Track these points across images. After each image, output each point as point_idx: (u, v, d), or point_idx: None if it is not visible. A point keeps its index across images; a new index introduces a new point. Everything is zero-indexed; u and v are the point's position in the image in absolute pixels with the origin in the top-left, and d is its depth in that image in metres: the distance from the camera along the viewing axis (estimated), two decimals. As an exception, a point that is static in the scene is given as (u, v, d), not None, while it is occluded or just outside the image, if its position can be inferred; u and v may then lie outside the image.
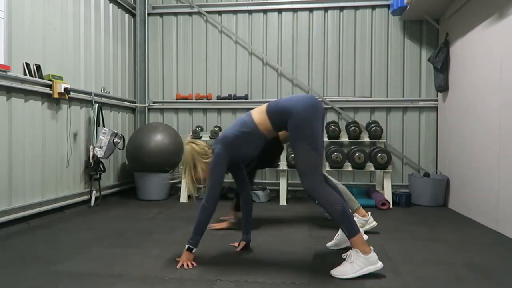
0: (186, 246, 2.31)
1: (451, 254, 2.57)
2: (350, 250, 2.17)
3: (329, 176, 3.44)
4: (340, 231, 2.66)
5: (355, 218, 2.79)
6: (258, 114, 2.32)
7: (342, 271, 2.12)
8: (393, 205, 4.31)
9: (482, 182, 3.51)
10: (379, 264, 2.12)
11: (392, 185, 4.46)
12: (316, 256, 2.51)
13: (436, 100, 4.90)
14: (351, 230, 2.14)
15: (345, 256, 2.18)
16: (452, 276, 2.16)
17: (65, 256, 2.47)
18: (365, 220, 3.05)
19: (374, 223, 3.08)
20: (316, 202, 4.37)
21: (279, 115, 2.25)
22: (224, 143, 2.32)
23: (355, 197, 4.38)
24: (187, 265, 2.27)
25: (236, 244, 2.68)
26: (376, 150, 4.40)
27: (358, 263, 2.10)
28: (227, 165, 2.35)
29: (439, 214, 3.93)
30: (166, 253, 2.55)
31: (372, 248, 2.15)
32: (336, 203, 2.14)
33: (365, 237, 2.77)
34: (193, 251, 2.31)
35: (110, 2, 4.82)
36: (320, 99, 5.08)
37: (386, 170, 4.37)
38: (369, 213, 3.12)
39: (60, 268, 2.25)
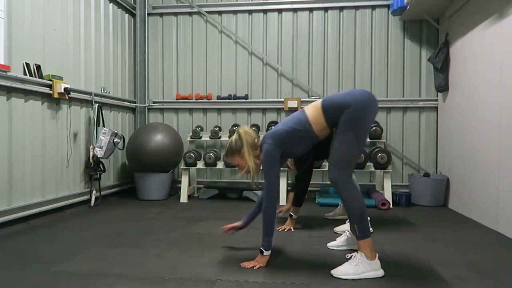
0: (260, 249, 2.30)
1: (451, 254, 2.57)
2: (355, 253, 2.17)
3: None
4: (345, 232, 2.66)
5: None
6: (312, 110, 2.23)
7: (344, 272, 2.12)
8: (393, 205, 4.31)
9: (482, 182, 3.51)
10: (381, 272, 2.13)
11: (392, 185, 4.46)
12: (316, 256, 2.51)
13: (436, 100, 4.90)
14: (363, 232, 2.14)
15: (348, 257, 2.19)
16: (452, 276, 2.16)
17: (65, 256, 2.47)
18: None
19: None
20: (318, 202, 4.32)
21: (337, 109, 2.16)
22: (276, 139, 2.24)
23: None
24: (253, 266, 2.27)
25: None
26: (376, 150, 4.39)
27: (360, 266, 2.11)
28: (280, 160, 2.28)
29: (439, 214, 3.93)
30: (166, 253, 2.55)
31: (377, 254, 2.16)
32: (358, 201, 2.14)
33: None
34: (265, 253, 2.29)
35: (110, 2, 4.82)
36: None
37: (386, 170, 4.37)
38: None
39: (60, 268, 2.25)
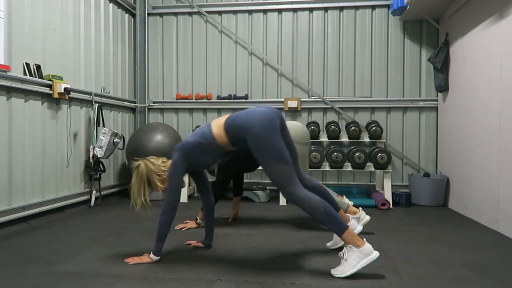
0: (151, 252, 2.39)
1: (451, 254, 2.57)
2: (344, 248, 2.16)
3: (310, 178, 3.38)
4: None
5: (351, 220, 2.76)
6: (217, 127, 2.37)
7: (341, 270, 2.12)
8: (393, 205, 4.31)
9: (482, 182, 3.51)
10: (375, 254, 2.11)
11: (392, 185, 4.46)
12: (316, 256, 2.51)
13: (436, 100, 4.90)
14: (339, 227, 2.14)
15: (340, 255, 2.19)
16: (452, 276, 2.16)
17: (65, 256, 2.47)
18: (357, 218, 2.93)
19: (367, 217, 2.98)
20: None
21: (236, 133, 2.29)
22: (182, 151, 2.41)
23: (355, 197, 4.42)
24: (136, 262, 2.36)
25: (193, 242, 2.74)
26: (376, 150, 4.40)
27: (354, 258, 2.10)
28: (184, 172, 2.46)
29: (439, 214, 3.93)
30: (166, 253, 2.55)
31: (365, 239, 2.14)
32: (318, 205, 2.16)
33: (359, 228, 2.72)
34: (151, 256, 2.38)
35: (110, 2, 4.82)
36: (321, 99, 5.08)
37: (386, 170, 4.37)
38: (360, 208, 3.10)
39: (60, 268, 2.25)
